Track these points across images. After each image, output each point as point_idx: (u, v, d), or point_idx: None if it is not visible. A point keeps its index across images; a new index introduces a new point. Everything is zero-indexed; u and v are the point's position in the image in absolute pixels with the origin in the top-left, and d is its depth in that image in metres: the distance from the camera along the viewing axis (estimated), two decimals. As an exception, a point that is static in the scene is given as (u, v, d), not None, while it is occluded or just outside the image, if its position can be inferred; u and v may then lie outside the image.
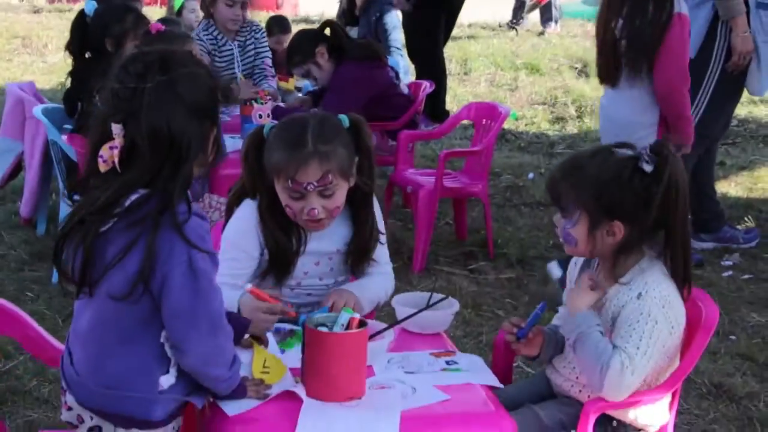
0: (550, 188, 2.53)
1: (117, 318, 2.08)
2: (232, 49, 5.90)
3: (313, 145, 2.54)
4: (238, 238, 2.71)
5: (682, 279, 2.45)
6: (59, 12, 12.79)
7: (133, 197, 2.02)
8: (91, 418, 2.14)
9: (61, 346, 2.50)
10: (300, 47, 5.50)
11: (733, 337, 4.32)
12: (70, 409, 2.19)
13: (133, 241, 2.01)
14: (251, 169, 2.67)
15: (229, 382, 2.18)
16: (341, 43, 5.47)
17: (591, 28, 12.54)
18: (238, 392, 2.21)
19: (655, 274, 2.42)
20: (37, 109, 4.82)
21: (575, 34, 12.14)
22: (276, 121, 2.74)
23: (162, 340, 2.11)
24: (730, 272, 5.10)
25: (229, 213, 2.79)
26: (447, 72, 8.23)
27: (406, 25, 8.10)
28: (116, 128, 2.01)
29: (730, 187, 6.62)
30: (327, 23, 5.67)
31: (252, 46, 6.00)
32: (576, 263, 2.65)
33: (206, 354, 2.11)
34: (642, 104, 4.36)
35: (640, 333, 2.35)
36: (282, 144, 2.58)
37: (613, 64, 4.44)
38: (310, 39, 5.50)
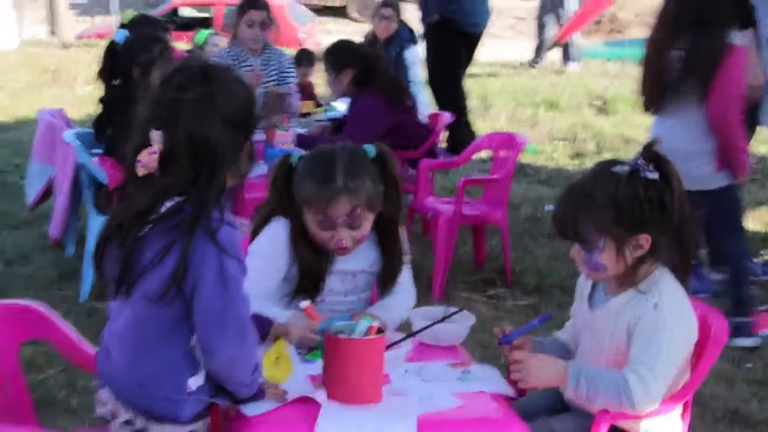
0: (562, 225, 2.52)
1: (151, 320, 2.18)
2: (253, 65, 6.03)
3: (343, 182, 2.65)
4: (267, 252, 2.80)
5: (686, 279, 2.52)
6: (87, 47, 13.05)
7: (169, 204, 2.13)
8: (125, 412, 2.23)
9: (92, 350, 2.60)
10: (334, 55, 5.63)
11: (749, 365, 4.36)
12: (104, 404, 2.28)
13: (168, 246, 2.10)
14: (280, 196, 2.78)
15: (251, 387, 2.27)
16: (371, 75, 5.56)
17: (611, 67, 12.74)
18: (257, 396, 2.30)
19: (668, 283, 2.48)
20: (69, 134, 4.96)
21: (595, 72, 12.28)
22: (299, 149, 2.85)
23: (192, 343, 2.20)
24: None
25: (254, 233, 2.88)
26: (467, 107, 8.34)
27: (428, 60, 8.23)
28: (156, 134, 2.12)
29: (748, 221, 6.65)
30: (369, 54, 5.77)
31: (275, 68, 6.14)
32: (587, 277, 2.68)
33: (232, 358, 2.20)
34: (698, 132, 4.40)
35: (660, 343, 2.39)
36: (311, 178, 2.69)
37: (662, 92, 4.50)
38: (346, 56, 5.61)
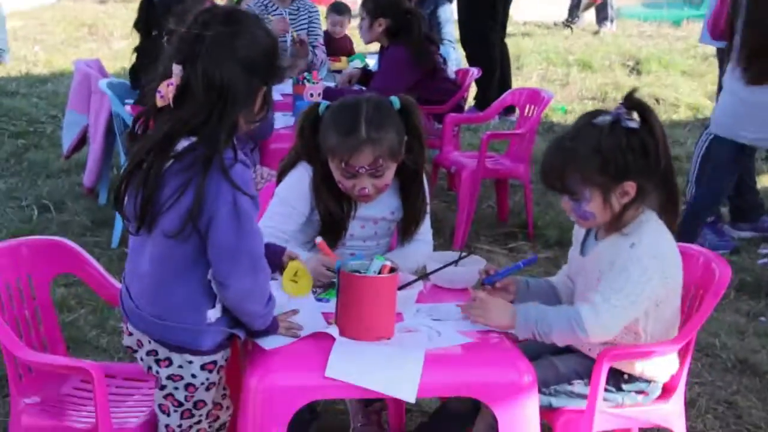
0: (549, 179, 2.59)
1: (169, 255, 2.29)
2: (282, 14, 6.10)
3: (366, 132, 2.73)
4: (290, 195, 2.92)
5: (674, 221, 2.59)
6: (124, 2, 13.19)
7: (185, 143, 2.23)
8: (149, 342, 2.36)
9: (118, 285, 2.74)
10: (373, 1, 5.68)
11: (762, 319, 4.43)
12: (130, 334, 2.41)
13: (184, 183, 2.20)
14: (306, 145, 2.88)
15: (264, 318, 2.38)
16: (404, 29, 5.61)
17: (647, 27, 12.65)
18: (271, 329, 2.41)
19: (651, 226, 2.55)
20: (103, 83, 5.09)
21: (630, 33, 12.20)
22: (327, 101, 2.93)
23: (209, 276, 2.31)
24: (766, 260, 5.19)
25: (280, 176, 2.99)
26: (498, 66, 8.34)
27: (460, 18, 8.25)
28: (176, 68, 2.23)
29: (769, 179, 6.70)
30: (408, 8, 5.78)
31: (306, 18, 6.21)
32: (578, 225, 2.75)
33: (245, 290, 2.30)
34: None
35: (626, 277, 2.48)
36: (336, 128, 2.78)
37: None
38: (384, 4, 5.66)
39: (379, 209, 2.96)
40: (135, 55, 5.10)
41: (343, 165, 2.78)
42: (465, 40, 8.26)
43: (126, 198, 2.31)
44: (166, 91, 2.22)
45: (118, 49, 10.60)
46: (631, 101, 2.52)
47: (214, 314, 2.34)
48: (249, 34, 2.28)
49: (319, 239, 2.72)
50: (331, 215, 2.90)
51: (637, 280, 2.48)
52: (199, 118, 2.22)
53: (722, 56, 5.39)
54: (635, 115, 2.52)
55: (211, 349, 2.36)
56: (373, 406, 3.18)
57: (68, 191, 5.82)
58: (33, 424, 2.54)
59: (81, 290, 4.38)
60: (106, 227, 5.23)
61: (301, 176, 2.92)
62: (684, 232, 4.45)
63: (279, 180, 3.00)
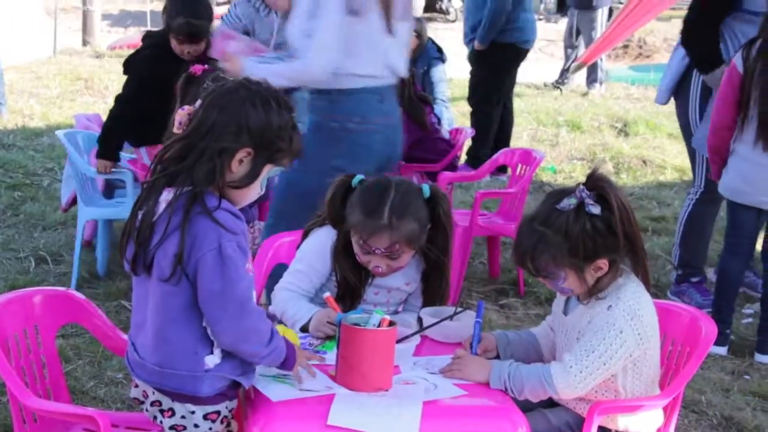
0: (523, 262, 2.70)
1: (166, 303, 2.37)
2: (273, 19, 6.12)
3: (388, 219, 2.84)
4: (312, 255, 3.03)
5: (647, 283, 2.70)
6: (119, 57, 13.36)
7: (168, 195, 2.33)
8: (153, 393, 2.43)
9: (123, 337, 2.82)
10: None
11: (747, 377, 4.53)
12: (137, 386, 2.49)
13: (170, 228, 2.30)
14: (335, 212, 2.98)
15: (271, 357, 2.43)
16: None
17: (635, 90, 12.88)
18: (288, 364, 2.47)
19: (630, 288, 2.65)
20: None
21: (618, 96, 12.43)
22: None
23: (204, 323, 2.39)
24: (750, 319, 5.29)
25: (305, 235, 3.11)
26: (495, 124, 8.52)
27: (472, 81, 8.51)
28: (198, 101, 2.39)
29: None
30: None
31: None
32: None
33: (237, 334, 2.36)
34: None
35: (601, 339, 2.58)
36: (361, 207, 2.89)
37: None
38: None
39: (395, 279, 3.05)
40: None
41: (361, 242, 2.89)
42: (471, 97, 8.50)
43: (126, 244, 2.41)
44: (181, 117, 2.37)
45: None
46: (593, 180, 2.62)
47: (212, 360, 2.41)
48: (264, 103, 2.38)
49: (327, 294, 2.80)
50: (348, 281, 3.00)
51: (611, 341, 2.58)
52: (183, 148, 2.34)
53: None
54: (594, 197, 2.59)
55: (211, 396, 2.42)
56: None
57: (65, 243, 5.89)
58: (38, 471, 2.60)
59: (79, 341, 4.45)
60: (102, 280, 5.31)
61: (324, 238, 3.02)
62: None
63: (303, 238, 3.11)
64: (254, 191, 2.44)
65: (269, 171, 2.44)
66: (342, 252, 2.97)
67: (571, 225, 2.58)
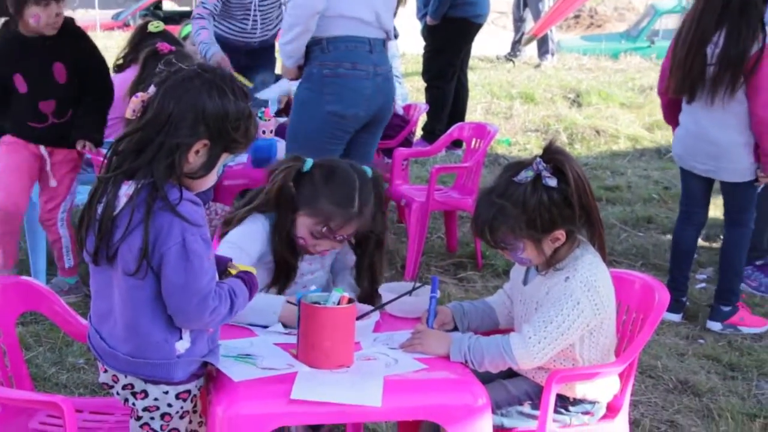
0: (483, 237, 2.75)
1: (133, 295, 2.37)
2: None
3: (359, 208, 2.88)
4: (243, 240, 2.97)
5: (604, 253, 2.75)
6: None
7: (127, 188, 2.32)
8: (125, 377, 2.44)
9: (83, 322, 2.83)
10: None
11: (701, 341, 4.63)
12: (106, 371, 2.49)
13: (133, 223, 2.29)
14: (281, 194, 2.92)
15: (238, 312, 2.46)
16: None
17: (586, 61, 12.99)
18: (252, 291, 2.51)
19: (587, 259, 2.70)
20: None
21: (570, 66, 12.53)
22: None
23: (169, 312, 2.38)
24: (704, 285, 5.41)
25: (228, 223, 3.03)
26: (450, 99, 8.56)
27: (426, 56, 8.52)
28: (152, 88, 2.36)
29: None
30: None
31: None
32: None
33: (199, 323, 2.39)
34: (740, 125, 4.57)
35: (559, 310, 2.64)
36: (332, 197, 2.88)
37: (700, 84, 4.59)
38: None
39: (330, 255, 3.09)
40: None
41: (323, 229, 2.89)
42: (425, 72, 8.52)
43: (86, 236, 2.40)
44: (135, 104, 2.34)
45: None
46: (549, 153, 2.67)
47: (182, 345, 2.42)
48: (221, 92, 2.35)
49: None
50: (287, 263, 2.99)
51: (568, 312, 2.64)
52: (139, 141, 2.32)
53: None
54: (551, 169, 2.63)
55: (185, 379, 2.45)
56: (322, 429, 3.27)
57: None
58: (2, 459, 2.60)
59: (38, 328, 4.44)
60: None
61: (257, 227, 2.98)
62: None
63: (227, 224, 3.04)
64: (211, 179, 2.44)
65: (225, 159, 2.44)
66: (282, 234, 2.94)
67: (529, 197, 2.63)
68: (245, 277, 2.51)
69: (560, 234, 2.68)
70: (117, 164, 2.36)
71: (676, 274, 4.91)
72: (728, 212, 4.88)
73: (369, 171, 2.99)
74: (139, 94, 2.36)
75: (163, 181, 2.30)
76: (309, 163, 2.96)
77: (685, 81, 4.60)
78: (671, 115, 4.94)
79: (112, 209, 2.33)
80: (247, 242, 2.97)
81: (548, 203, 2.63)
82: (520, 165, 2.70)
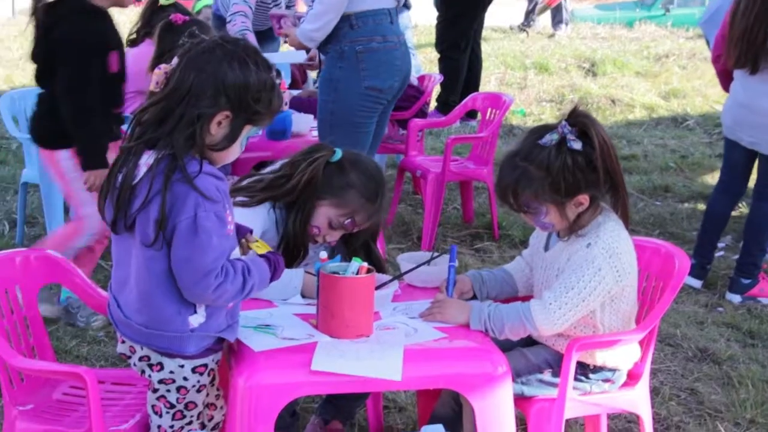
0: (505, 197, 2.72)
1: (149, 266, 2.37)
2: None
3: (380, 203, 2.92)
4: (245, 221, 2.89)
5: (627, 221, 2.74)
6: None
7: (149, 157, 2.32)
8: (142, 348, 2.46)
9: (103, 294, 2.84)
10: None
11: (720, 309, 4.62)
12: (123, 342, 2.51)
13: (151, 193, 2.29)
14: (310, 186, 2.88)
15: (253, 293, 2.42)
16: None
17: (601, 30, 12.91)
18: (278, 273, 2.49)
19: (610, 226, 2.69)
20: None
21: (584, 35, 12.45)
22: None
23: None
24: (722, 252, 5.39)
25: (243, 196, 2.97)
26: (464, 70, 8.51)
27: (441, 17, 8.46)
28: (176, 60, 2.36)
29: None
30: None
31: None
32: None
33: (205, 298, 2.37)
34: None
35: (580, 276, 2.63)
36: (363, 190, 2.89)
37: (762, 56, 4.51)
38: None
39: None
40: None
41: (346, 221, 2.89)
42: (438, 43, 8.47)
43: (106, 205, 2.40)
44: (158, 76, 2.34)
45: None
46: (574, 117, 2.65)
47: (196, 320, 2.42)
48: (242, 63, 2.34)
49: (324, 254, 2.78)
50: (297, 246, 2.96)
51: (589, 279, 2.63)
52: (161, 112, 2.31)
53: None
54: (576, 132, 2.62)
55: (198, 353, 2.45)
56: (331, 424, 3.28)
57: (38, 206, 5.86)
58: (28, 430, 2.62)
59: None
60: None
61: (263, 213, 2.95)
62: None
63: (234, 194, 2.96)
64: (234, 152, 2.42)
65: (249, 131, 2.43)
66: (302, 223, 2.91)
67: (553, 160, 2.61)
68: (272, 258, 2.49)
69: (584, 198, 2.66)
70: (139, 134, 2.36)
71: (705, 240, 4.89)
72: (760, 185, 4.83)
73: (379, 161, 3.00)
74: (162, 66, 2.36)
75: (183, 152, 2.29)
76: (339, 153, 2.94)
77: (747, 53, 4.54)
78: (726, 83, 4.90)
79: (131, 178, 2.33)
80: (250, 223, 2.92)
81: (572, 166, 2.62)
82: (545, 128, 2.68)
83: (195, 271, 2.31)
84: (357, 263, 2.66)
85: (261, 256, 2.49)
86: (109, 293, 2.54)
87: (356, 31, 4.30)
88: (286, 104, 5.02)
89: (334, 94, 4.35)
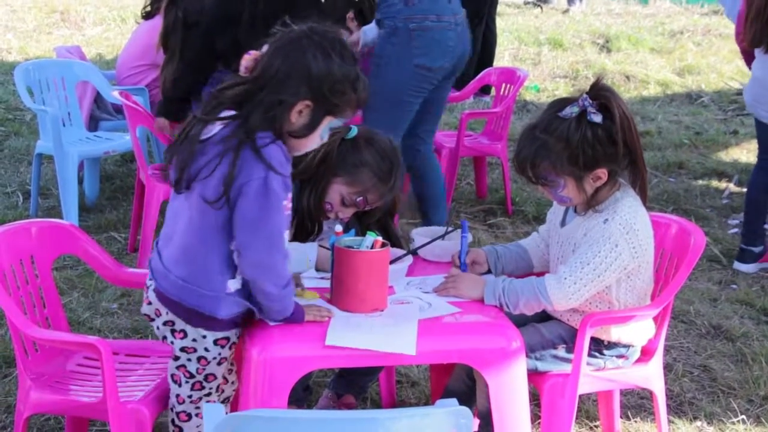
0: (524, 170, 2.70)
1: (201, 221, 2.39)
2: None
3: (394, 183, 2.88)
4: None
5: (644, 197, 2.73)
6: (95, -13, 13.17)
7: (227, 113, 2.36)
8: (167, 313, 2.47)
9: (116, 264, 2.86)
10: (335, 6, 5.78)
11: (734, 286, 4.61)
12: (150, 303, 2.52)
13: (221, 153, 2.32)
14: (325, 162, 2.88)
15: (282, 303, 2.43)
16: (371, 14, 5.72)
17: (615, 6, 12.81)
18: (295, 317, 2.46)
19: (627, 202, 2.67)
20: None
21: (599, 11, 12.37)
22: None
23: (232, 247, 2.41)
24: (736, 230, 5.36)
25: None
26: (478, 45, 8.46)
27: None
28: (266, 46, 2.40)
29: None
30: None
31: None
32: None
33: (260, 264, 2.38)
34: None
35: (596, 252, 2.62)
36: (376, 170, 2.87)
37: None
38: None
39: None
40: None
41: (358, 199, 2.87)
42: None
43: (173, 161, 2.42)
44: (247, 62, 2.39)
45: (92, 36, 10.61)
46: (596, 90, 2.63)
47: (233, 285, 2.44)
48: (326, 55, 2.36)
49: (339, 228, 2.77)
50: (312, 221, 2.96)
51: (605, 254, 2.62)
52: (243, 94, 2.35)
53: None
54: (596, 106, 2.61)
55: (225, 321, 2.45)
56: (344, 398, 3.28)
57: (51, 177, 5.87)
58: (41, 399, 2.63)
59: (71, 273, 4.48)
60: (92, 212, 5.33)
61: None
62: None
63: None
64: (314, 141, 2.45)
65: (330, 122, 2.44)
66: (317, 198, 2.91)
67: (572, 132, 2.60)
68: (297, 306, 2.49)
69: (602, 173, 2.65)
70: (213, 108, 2.38)
71: (749, 221, 4.86)
72: (762, 156, 4.81)
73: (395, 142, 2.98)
74: (252, 52, 2.39)
75: (257, 126, 2.32)
76: (354, 131, 2.93)
77: (763, 32, 4.52)
78: (749, 61, 4.88)
79: (198, 137, 2.36)
80: None
81: (592, 139, 2.60)
82: (566, 101, 2.67)
83: (263, 230, 2.34)
84: (372, 237, 2.65)
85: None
86: (154, 248, 2.56)
87: (411, 8, 4.31)
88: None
89: (383, 70, 4.35)
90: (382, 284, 2.61)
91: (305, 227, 2.96)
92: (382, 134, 3.01)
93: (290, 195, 2.39)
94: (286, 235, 2.40)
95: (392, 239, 2.91)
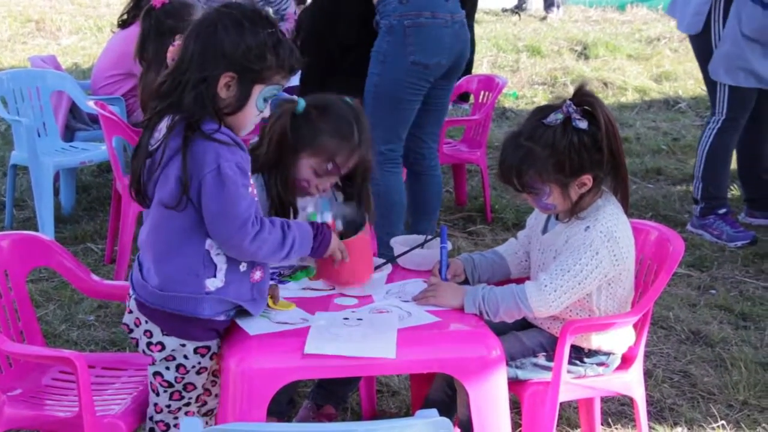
0: (508, 178, 2.68)
1: (166, 226, 2.39)
2: None
3: (358, 138, 2.79)
4: None
5: (626, 204, 2.73)
6: (72, -3, 13.09)
7: (165, 122, 2.36)
8: (146, 322, 2.45)
9: (91, 276, 2.82)
10: None
11: (713, 291, 4.61)
12: (131, 312, 2.50)
13: (167, 155, 2.33)
14: (282, 145, 2.79)
15: (294, 252, 2.45)
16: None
17: (593, 13, 12.85)
18: (320, 252, 2.54)
19: (609, 210, 2.67)
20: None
21: (577, 18, 12.40)
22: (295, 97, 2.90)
23: (207, 246, 2.40)
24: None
25: None
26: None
27: None
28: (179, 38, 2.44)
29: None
30: None
31: None
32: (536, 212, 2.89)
33: (245, 250, 2.38)
34: None
35: (577, 259, 2.61)
36: (333, 132, 2.77)
37: None
38: None
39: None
40: None
41: (329, 166, 2.79)
42: None
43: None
44: (172, 52, 2.43)
45: (68, 45, 10.54)
46: (579, 96, 2.63)
47: (213, 284, 2.42)
48: (236, 25, 2.36)
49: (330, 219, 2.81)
50: (286, 206, 2.89)
51: (586, 262, 2.61)
52: (171, 84, 2.37)
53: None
54: (581, 112, 2.61)
55: (209, 317, 2.43)
56: (324, 409, 3.25)
57: (27, 188, 5.82)
58: (16, 415, 2.59)
59: (47, 285, 4.43)
60: (68, 223, 5.28)
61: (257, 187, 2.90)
62: None
63: None
64: (251, 114, 2.42)
65: (263, 91, 2.41)
66: (286, 181, 2.83)
67: (558, 139, 2.59)
68: (318, 225, 2.53)
69: (587, 179, 2.64)
70: (154, 106, 2.41)
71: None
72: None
73: (350, 101, 2.90)
74: (176, 42, 2.43)
75: (195, 113, 2.32)
76: (302, 103, 2.82)
77: None
78: None
79: (148, 145, 2.38)
80: None
81: (578, 145, 2.59)
82: (549, 108, 2.66)
83: (230, 222, 2.33)
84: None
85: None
86: (135, 261, 2.55)
87: (406, 6, 4.30)
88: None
89: (380, 67, 4.35)
90: (366, 260, 2.71)
91: (282, 214, 2.89)
92: (333, 96, 2.91)
93: (249, 174, 2.38)
94: (253, 209, 2.37)
95: (368, 206, 2.92)
